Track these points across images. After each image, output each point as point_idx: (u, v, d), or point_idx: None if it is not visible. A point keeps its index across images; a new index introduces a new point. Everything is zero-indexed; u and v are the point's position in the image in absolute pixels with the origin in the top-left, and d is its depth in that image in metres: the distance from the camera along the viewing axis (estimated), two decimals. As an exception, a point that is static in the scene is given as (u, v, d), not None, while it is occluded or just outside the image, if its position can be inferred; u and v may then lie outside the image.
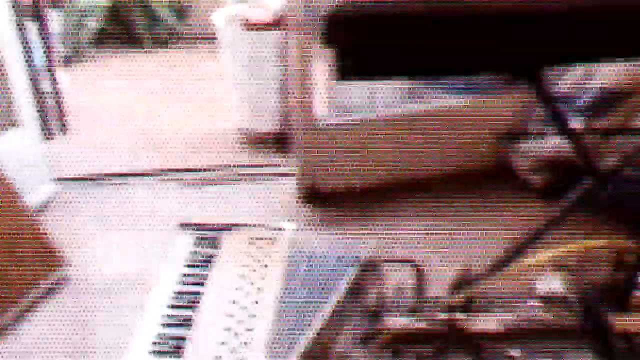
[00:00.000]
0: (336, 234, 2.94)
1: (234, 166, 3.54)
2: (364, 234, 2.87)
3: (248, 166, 3.54)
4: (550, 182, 3.07)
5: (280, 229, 2.07)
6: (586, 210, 2.37)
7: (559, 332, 1.70)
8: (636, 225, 2.11)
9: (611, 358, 1.66)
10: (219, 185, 3.39)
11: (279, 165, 3.50)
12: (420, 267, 1.76)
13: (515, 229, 1.90)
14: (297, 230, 2.08)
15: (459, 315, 1.69)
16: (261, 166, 3.54)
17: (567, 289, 1.76)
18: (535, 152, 3.12)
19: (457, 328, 1.68)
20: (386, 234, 2.89)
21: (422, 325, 1.68)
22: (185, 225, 2.11)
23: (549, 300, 1.74)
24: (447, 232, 2.88)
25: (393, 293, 1.74)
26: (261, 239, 2.03)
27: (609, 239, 1.74)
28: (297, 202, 3.24)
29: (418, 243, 2.77)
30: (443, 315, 1.69)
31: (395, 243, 2.36)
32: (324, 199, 3.24)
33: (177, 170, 3.50)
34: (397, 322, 1.68)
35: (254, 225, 2.11)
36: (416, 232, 2.90)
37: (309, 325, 1.70)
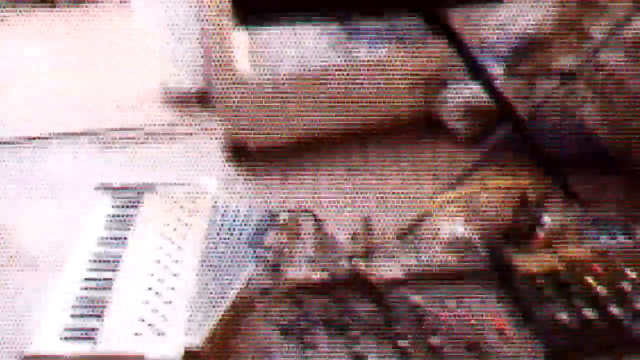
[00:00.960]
0: (260, 190, 2.93)
1: (157, 125, 3.48)
2: (288, 189, 2.86)
3: (172, 125, 3.48)
4: (475, 129, 3.09)
5: (202, 187, 2.04)
6: (506, 153, 2.41)
7: (463, 275, 1.71)
8: (552, 165, 2.15)
9: (516, 299, 1.68)
10: (142, 145, 3.33)
11: (204, 123, 3.45)
12: (320, 218, 1.76)
13: (443, 178, 1.92)
14: (220, 187, 2.05)
15: (360, 263, 1.69)
16: (185, 124, 3.49)
17: (471, 231, 1.78)
18: (459, 99, 3.14)
19: (359, 276, 1.68)
20: (313, 188, 2.88)
21: (324, 275, 1.68)
22: (105, 187, 2.07)
23: (452, 244, 1.76)
24: (372, 184, 2.88)
25: (293, 243, 1.74)
26: (183, 197, 2.01)
27: (513, 179, 1.75)
28: (222, 159, 3.21)
29: (338, 195, 2.76)
30: (345, 264, 1.69)
31: (317, 196, 2.37)
32: (250, 156, 3.21)
33: (98, 132, 3.43)
34: (297, 272, 1.67)
35: (175, 184, 2.08)
36: (341, 184, 2.89)
37: (232, 282, 1.69)
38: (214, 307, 1.63)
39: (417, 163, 2.99)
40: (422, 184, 2.57)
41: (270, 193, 2.92)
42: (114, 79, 3.97)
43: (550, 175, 2.22)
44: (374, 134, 3.20)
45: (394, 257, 1.72)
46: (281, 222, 1.81)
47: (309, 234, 1.76)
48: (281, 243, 1.74)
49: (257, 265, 1.72)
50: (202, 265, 1.75)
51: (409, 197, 2.41)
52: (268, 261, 1.72)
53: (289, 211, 1.79)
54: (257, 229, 1.82)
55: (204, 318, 1.60)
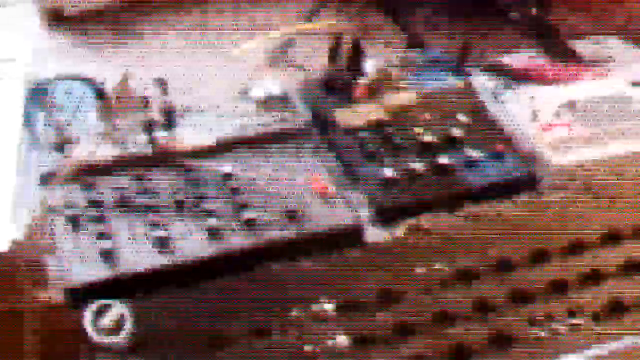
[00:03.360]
0: (80, 58, 2.62)
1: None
2: (112, 56, 2.57)
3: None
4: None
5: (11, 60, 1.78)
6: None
7: (280, 135, 1.54)
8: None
9: (339, 158, 1.53)
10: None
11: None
12: (103, 86, 1.53)
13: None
14: (35, 59, 1.78)
15: (160, 134, 1.48)
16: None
17: (287, 87, 1.59)
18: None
19: (159, 148, 1.47)
20: (141, 52, 2.59)
21: (116, 150, 1.46)
22: None
23: (265, 102, 1.57)
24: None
25: (76, 118, 1.50)
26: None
27: (328, 23, 1.56)
28: (38, 26, 2.85)
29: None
30: (142, 136, 1.48)
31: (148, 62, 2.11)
32: (67, 21, 2.86)
33: None
34: (83, 151, 1.44)
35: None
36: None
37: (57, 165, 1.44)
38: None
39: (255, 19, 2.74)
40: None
41: (93, 62, 2.61)
42: None
43: (389, 14, 2.02)
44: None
45: (198, 123, 1.51)
46: (104, 92, 1.57)
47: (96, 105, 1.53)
48: (63, 121, 1.50)
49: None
50: (21, 150, 1.50)
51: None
52: (53, 141, 1.47)
53: (61, 78, 1.54)
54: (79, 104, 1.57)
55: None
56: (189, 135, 1.50)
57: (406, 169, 1.49)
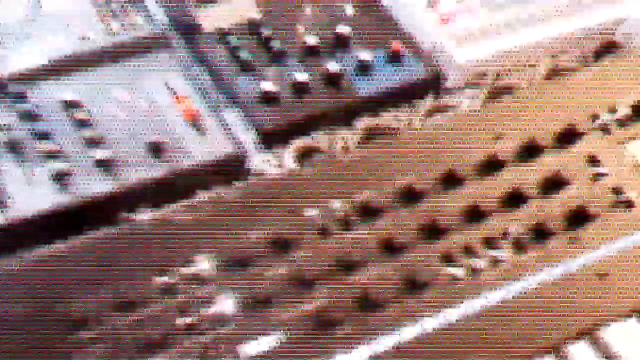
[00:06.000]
0: None
1: None
2: None
3: None
4: None
5: None
6: None
7: (132, 47, 1.26)
8: None
9: (206, 66, 1.27)
10: None
11: None
12: None
13: None
14: None
15: None
16: None
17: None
18: None
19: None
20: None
21: None
22: None
23: (108, 4, 1.28)
24: None
25: None
26: None
27: None
28: None
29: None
30: None
31: None
32: None
33: None
34: None
35: None
36: None
37: None
38: None
39: None
40: None
41: None
42: None
43: None
44: None
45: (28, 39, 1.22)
46: None
47: None
48: None
49: None
50: None
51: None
52: None
53: None
54: None
55: None
56: (14, 56, 1.21)
57: (289, 81, 1.26)
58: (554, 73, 1.36)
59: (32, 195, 1.09)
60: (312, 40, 1.30)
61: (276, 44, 1.29)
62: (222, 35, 1.30)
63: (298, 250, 1.04)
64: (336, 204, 1.08)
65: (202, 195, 1.12)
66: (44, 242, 1.04)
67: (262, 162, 1.20)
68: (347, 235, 1.07)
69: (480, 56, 1.33)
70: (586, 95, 1.25)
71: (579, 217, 1.12)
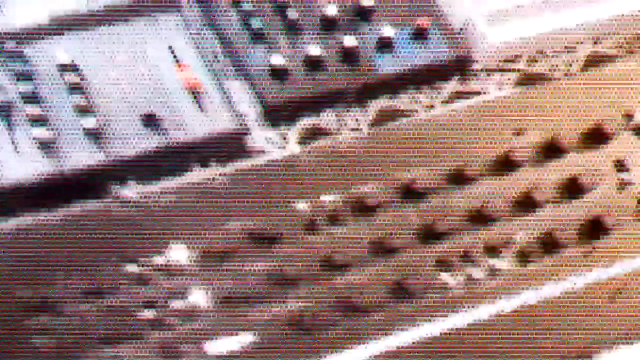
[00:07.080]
0: None
1: None
2: None
3: None
4: None
5: None
6: None
7: (135, 8, 1.17)
8: None
9: (216, 32, 1.18)
10: None
11: None
12: None
13: None
14: None
15: None
16: None
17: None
18: None
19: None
20: None
21: None
22: None
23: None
24: None
25: None
26: None
27: None
28: None
29: None
30: None
31: None
32: None
33: None
34: None
35: None
36: None
37: None
38: None
39: None
40: None
41: None
42: None
43: None
44: None
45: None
46: None
47: None
48: None
49: None
50: None
51: None
52: None
53: None
54: None
55: None
56: (15, 11, 1.16)
57: (302, 54, 1.18)
58: (594, 60, 1.24)
59: (18, 162, 1.05)
60: (331, 10, 1.21)
61: (292, 13, 1.21)
62: (236, 1, 1.22)
63: (282, 246, 0.98)
64: (328, 196, 1.01)
65: (189, 176, 1.06)
66: (30, 211, 1.00)
67: (264, 139, 1.13)
68: (337, 232, 1.00)
69: (515, 37, 1.23)
70: (623, 89, 1.14)
71: (594, 229, 1.02)
